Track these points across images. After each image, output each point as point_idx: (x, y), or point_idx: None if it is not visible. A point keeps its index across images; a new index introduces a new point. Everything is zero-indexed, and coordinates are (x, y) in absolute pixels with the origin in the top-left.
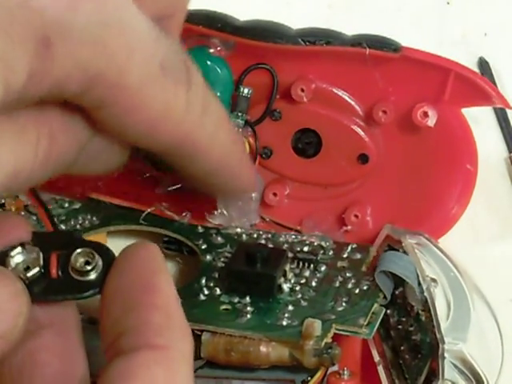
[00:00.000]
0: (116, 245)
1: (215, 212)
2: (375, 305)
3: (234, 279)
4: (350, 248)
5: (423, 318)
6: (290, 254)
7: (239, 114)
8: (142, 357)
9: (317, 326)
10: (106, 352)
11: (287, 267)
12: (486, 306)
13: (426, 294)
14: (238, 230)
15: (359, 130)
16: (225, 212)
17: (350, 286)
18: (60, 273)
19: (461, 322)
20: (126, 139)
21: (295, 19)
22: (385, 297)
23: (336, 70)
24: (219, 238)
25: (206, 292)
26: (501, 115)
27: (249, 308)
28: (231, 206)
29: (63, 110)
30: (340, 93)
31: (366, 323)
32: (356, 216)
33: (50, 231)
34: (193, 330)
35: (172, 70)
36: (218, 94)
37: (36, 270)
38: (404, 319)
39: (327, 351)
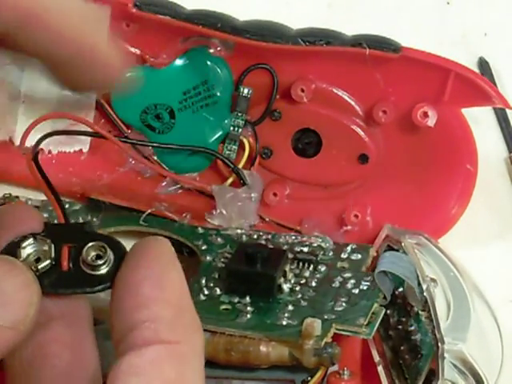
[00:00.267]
0: None
1: (214, 212)
2: (375, 305)
3: (234, 279)
4: (349, 248)
5: (423, 318)
6: (290, 255)
7: (239, 114)
8: (153, 352)
9: (317, 325)
10: (116, 347)
11: (287, 267)
12: (486, 306)
13: (425, 294)
14: (238, 230)
15: (359, 130)
16: (224, 212)
17: (349, 286)
18: (71, 265)
19: (461, 322)
20: None
21: (295, 19)
22: (385, 297)
23: (336, 70)
24: (219, 239)
25: (206, 292)
26: (501, 115)
27: (249, 308)
28: (230, 206)
29: None
30: (340, 93)
31: (365, 323)
32: (356, 216)
33: (62, 223)
34: None
35: None
36: (218, 93)
37: (47, 261)
38: (404, 319)
39: (327, 351)
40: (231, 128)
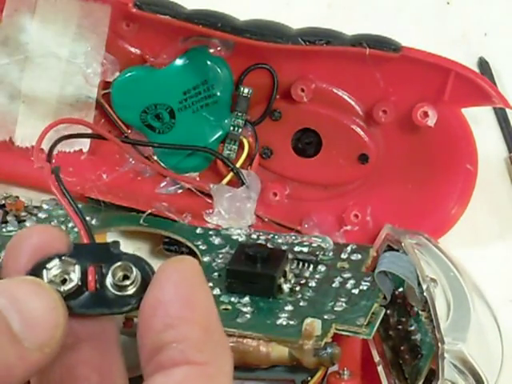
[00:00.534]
0: None
1: (212, 211)
2: (375, 305)
3: (234, 279)
4: (349, 248)
5: (423, 318)
6: (290, 255)
7: (239, 114)
8: (181, 373)
9: (317, 325)
10: (144, 367)
11: (287, 267)
12: (486, 306)
13: (425, 294)
14: (238, 231)
15: (359, 130)
16: (222, 211)
17: (349, 286)
18: (98, 286)
19: (461, 322)
20: None
21: (295, 19)
22: (385, 297)
23: (336, 69)
24: (218, 239)
25: None
26: (501, 115)
27: (249, 308)
28: (228, 206)
29: None
30: (340, 93)
31: (365, 323)
32: (356, 216)
33: (88, 243)
34: None
35: None
36: (218, 93)
37: (73, 283)
38: (404, 319)
39: (327, 351)
40: (231, 128)
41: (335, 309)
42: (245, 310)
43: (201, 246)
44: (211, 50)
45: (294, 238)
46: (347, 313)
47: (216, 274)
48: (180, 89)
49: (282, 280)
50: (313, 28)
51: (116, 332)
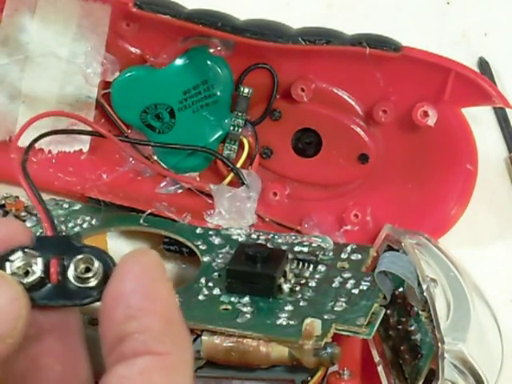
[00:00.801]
0: (116, 246)
1: (212, 211)
2: (375, 305)
3: (234, 279)
4: (349, 248)
5: (423, 318)
6: (290, 255)
7: (239, 114)
8: (143, 363)
9: (317, 325)
10: (106, 358)
11: (287, 267)
12: (486, 306)
13: (425, 294)
14: (238, 231)
15: (359, 130)
16: (222, 211)
17: (349, 286)
18: (60, 278)
19: (461, 322)
20: None
21: (295, 19)
22: (385, 297)
23: (336, 69)
24: (219, 239)
25: (206, 292)
26: (501, 115)
27: (249, 308)
28: (229, 206)
29: None
30: (340, 92)
31: (365, 323)
32: (356, 216)
33: (50, 236)
34: (193, 330)
35: None
36: (218, 93)
37: (36, 275)
38: (404, 319)
39: (327, 351)
40: (231, 128)
41: (335, 309)
42: (245, 309)
43: (201, 246)
44: (211, 50)
45: (294, 237)
46: (347, 313)
47: (216, 274)
48: (180, 89)
49: (282, 280)
50: (313, 28)
51: (79, 323)
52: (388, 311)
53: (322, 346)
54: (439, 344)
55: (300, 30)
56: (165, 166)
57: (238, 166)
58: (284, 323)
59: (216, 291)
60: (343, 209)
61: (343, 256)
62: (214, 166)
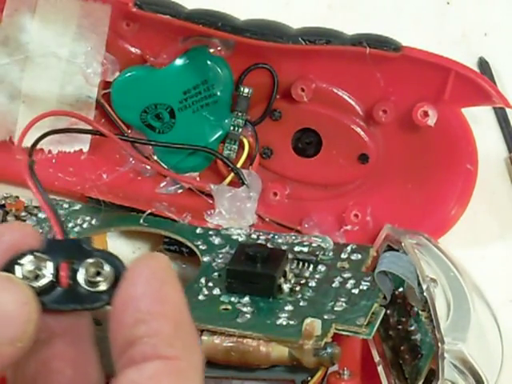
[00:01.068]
0: (116, 246)
1: (213, 211)
2: (375, 305)
3: (234, 279)
4: (349, 248)
5: (423, 318)
6: (290, 255)
7: (239, 114)
8: (152, 367)
9: (317, 325)
10: (115, 362)
11: (287, 267)
12: (486, 306)
13: (425, 294)
14: (238, 231)
15: (359, 130)
16: (222, 211)
17: (349, 286)
18: (70, 282)
19: (461, 322)
20: None
21: (295, 19)
22: (385, 297)
23: (336, 69)
24: (218, 239)
25: (206, 292)
26: (501, 115)
27: (249, 308)
28: (229, 206)
29: None
30: (340, 92)
31: (365, 323)
32: (356, 216)
33: (61, 239)
34: None
35: None
36: (218, 93)
37: (46, 278)
38: (404, 319)
39: (327, 351)
40: (231, 128)
41: (335, 309)
42: (245, 309)
43: (201, 246)
44: (211, 50)
45: (293, 237)
46: (347, 313)
47: (216, 274)
48: (180, 89)
49: (282, 280)
50: (313, 28)
51: (90, 327)
52: (388, 311)
53: (321, 346)
54: (439, 344)
55: (300, 30)
56: (165, 166)
57: (238, 166)
58: (284, 323)
59: (216, 291)
60: (343, 209)
61: (343, 256)
62: (214, 166)
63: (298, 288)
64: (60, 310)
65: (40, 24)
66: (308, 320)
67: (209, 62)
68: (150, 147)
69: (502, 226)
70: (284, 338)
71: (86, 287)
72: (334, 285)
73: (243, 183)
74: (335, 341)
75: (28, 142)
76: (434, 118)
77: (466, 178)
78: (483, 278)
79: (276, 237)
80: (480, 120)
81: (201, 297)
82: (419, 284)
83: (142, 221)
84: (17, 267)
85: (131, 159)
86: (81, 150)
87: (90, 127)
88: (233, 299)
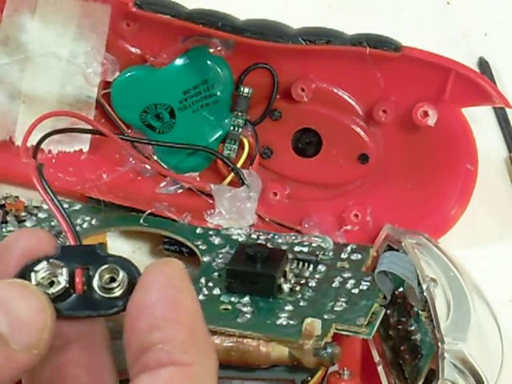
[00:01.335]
0: (116, 246)
1: (213, 211)
2: (375, 305)
3: (234, 279)
4: (349, 248)
5: (423, 318)
6: (290, 255)
7: (239, 114)
8: (167, 374)
9: (317, 325)
10: (130, 368)
11: (287, 267)
12: (486, 306)
13: (425, 294)
14: (238, 231)
15: (359, 130)
16: (223, 211)
17: (349, 286)
18: (85, 288)
19: (461, 322)
20: None
21: (295, 19)
22: (385, 297)
23: (336, 69)
24: (218, 239)
25: (206, 292)
26: (501, 115)
27: (249, 308)
28: (229, 206)
29: None
30: (340, 92)
31: (365, 323)
32: (356, 216)
33: (75, 245)
34: None
35: None
36: (218, 93)
37: (61, 285)
38: (404, 319)
39: (327, 351)
40: (231, 128)
41: (335, 309)
42: (245, 309)
43: (201, 246)
44: (211, 50)
45: (293, 237)
46: (347, 313)
47: (216, 274)
48: (180, 88)
49: (282, 280)
50: (313, 27)
51: (105, 333)
52: (388, 311)
53: (321, 346)
54: (439, 344)
55: (300, 30)
56: (165, 166)
57: (238, 165)
58: (284, 323)
59: (216, 291)
60: (343, 209)
61: (343, 256)
62: (215, 166)
63: (298, 288)
64: (75, 317)
65: (40, 24)
66: (308, 320)
67: (209, 62)
68: (150, 147)
69: (502, 226)
70: (284, 338)
71: (100, 293)
72: (334, 285)
73: (243, 183)
74: (335, 341)
75: (29, 144)
76: (434, 118)
77: (465, 178)
78: (483, 277)
79: (276, 237)
80: (480, 120)
81: (201, 297)
82: (419, 284)
83: (141, 221)
84: (32, 274)
85: (131, 159)
86: (81, 149)
87: (90, 127)
88: (233, 299)
